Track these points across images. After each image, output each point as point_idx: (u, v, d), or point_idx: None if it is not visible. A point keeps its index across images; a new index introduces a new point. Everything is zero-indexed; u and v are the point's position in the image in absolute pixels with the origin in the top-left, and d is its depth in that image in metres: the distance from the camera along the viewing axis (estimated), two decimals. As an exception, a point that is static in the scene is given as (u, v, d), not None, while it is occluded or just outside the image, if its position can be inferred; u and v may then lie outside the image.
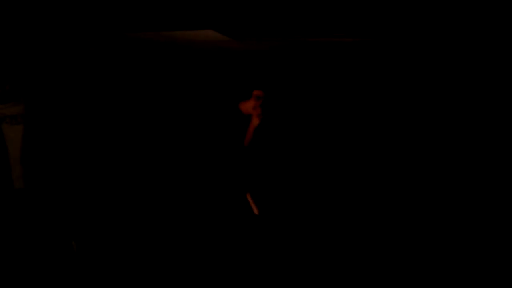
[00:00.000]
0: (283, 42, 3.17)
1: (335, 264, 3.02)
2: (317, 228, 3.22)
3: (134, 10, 2.81)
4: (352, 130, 3.45)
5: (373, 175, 3.38)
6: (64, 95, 3.41)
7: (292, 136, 3.03)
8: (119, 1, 2.75)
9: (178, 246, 3.21)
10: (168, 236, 3.31)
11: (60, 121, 3.29)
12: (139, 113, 3.72)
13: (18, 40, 3.12)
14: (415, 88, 3.38)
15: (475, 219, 3.13)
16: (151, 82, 3.73)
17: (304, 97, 3.51)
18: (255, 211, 2.92)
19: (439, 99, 3.34)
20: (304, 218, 3.19)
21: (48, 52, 3.36)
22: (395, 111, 3.40)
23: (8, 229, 2.92)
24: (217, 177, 3.35)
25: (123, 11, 2.83)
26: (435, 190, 3.29)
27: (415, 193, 3.31)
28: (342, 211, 3.33)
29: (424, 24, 2.74)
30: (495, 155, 3.21)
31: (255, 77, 3.06)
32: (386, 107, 3.41)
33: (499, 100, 3.21)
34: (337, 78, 3.51)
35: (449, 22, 2.70)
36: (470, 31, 2.81)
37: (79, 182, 3.37)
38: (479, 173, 3.22)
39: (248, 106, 2.86)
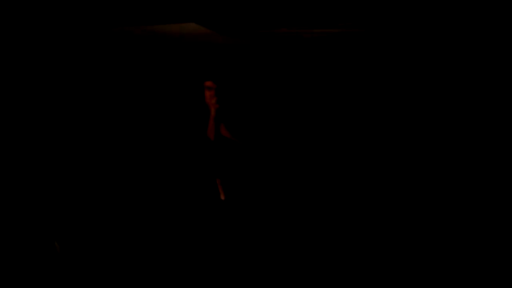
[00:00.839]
0: (264, 36, 3.16)
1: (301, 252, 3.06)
2: (285, 214, 3.27)
3: (117, 4, 2.78)
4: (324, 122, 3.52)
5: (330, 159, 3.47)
6: (36, 92, 3.34)
7: (248, 125, 3.09)
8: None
9: (157, 241, 3.21)
10: (148, 231, 3.30)
11: (30, 117, 3.25)
12: (116, 108, 3.67)
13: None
14: (386, 81, 3.38)
15: (475, 219, 3.08)
16: (130, 76, 3.70)
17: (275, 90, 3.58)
18: (222, 196, 3.03)
19: (422, 93, 3.32)
20: (270, 204, 3.24)
21: (21, 48, 3.26)
22: (351, 103, 3.45)
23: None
24: (187, 166, 3.44)
25: (105, 6, 2.79)
26: (420, 186, 3.28)
27: (375, 181, 3.35)
28: (304, 196, 3.39)
29: (406, 14, 2.73)
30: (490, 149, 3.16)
31: (210, 68, 3.14)
32: (345, 98, 3.47)
33: (485, 86, 3.19)
34: (313, 72, 3.54)
35: (429, 12, 2.68)
36: (455, 23, 2.80)
37: (57, 181, 3.33)
38: (478, 170, 3.17)
39: (206, 97, 2.95)
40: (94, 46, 3.54)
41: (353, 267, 2.91)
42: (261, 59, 3.60)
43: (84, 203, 3.36)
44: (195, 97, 3.16)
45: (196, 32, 3.03)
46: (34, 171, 3.24)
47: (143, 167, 3.61)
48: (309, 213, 3.30)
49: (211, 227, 3.08)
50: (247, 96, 3.38)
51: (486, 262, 2.84)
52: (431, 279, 2.78)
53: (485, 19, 2.72)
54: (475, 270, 2.80)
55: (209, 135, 2.97)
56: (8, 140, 3.11)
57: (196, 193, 3.25)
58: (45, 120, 3.35)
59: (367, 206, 3.29)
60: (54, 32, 3.10)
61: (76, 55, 3.52)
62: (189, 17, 2.78)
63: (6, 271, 2.77)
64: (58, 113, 3.43)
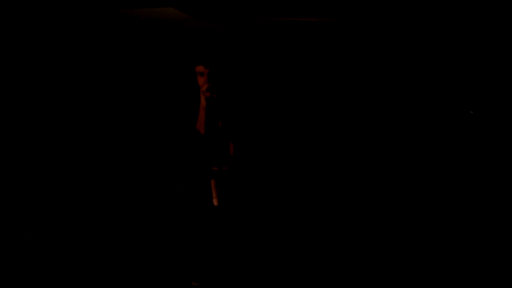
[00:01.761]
0: (243, 21, 3.08)
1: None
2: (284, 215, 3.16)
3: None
4: (308, 110, 3.43)
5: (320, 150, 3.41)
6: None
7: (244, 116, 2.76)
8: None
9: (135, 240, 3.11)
10: (125, 230, 3.19)
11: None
12: (92, 99, 3.44)
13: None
14: (365, 69, 3.36)
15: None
16: (109, 64, 3.48)
17: (261, 78, 3.43)
18: (215, 202, 2.65)
19: (401, 80, 3.31)
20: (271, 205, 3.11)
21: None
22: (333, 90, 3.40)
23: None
24: (172, 164, 3.14)
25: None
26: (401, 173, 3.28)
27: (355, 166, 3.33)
28: (300, 193, 3.29)
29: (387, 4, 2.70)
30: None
31: (199, 54, 2.72)
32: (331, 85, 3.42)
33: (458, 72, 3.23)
34: (295, 57, 3.45)
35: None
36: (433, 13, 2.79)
37: (28, 173, 3.10)
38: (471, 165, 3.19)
39: (199, 84, 2.56)
40: (72, 31, 3.30)
41: (349, 272, 2.84)
42: (246, 44, 3.45)
43: (62, 199, 3.17)
44: (182, 85, 2.91)
45: (174, 17, 2.91)
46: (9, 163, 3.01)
47: (123, 161, 3.40)
48: (311, 220, 3.18)
49: (200, 238, 2.77)
50: (240, 85, 3.16)
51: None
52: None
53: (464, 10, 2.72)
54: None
55: (198, 128, 2.61)
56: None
57: (184, 197, 2.99)
58: (20, 103, 3.11)
59: (357, 205, 3.24)
60: (30, 14, 2.94)
61: (55, 41, 3.28)
62: (167, 1, 2.65)
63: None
64: (35, 97, 3.19)
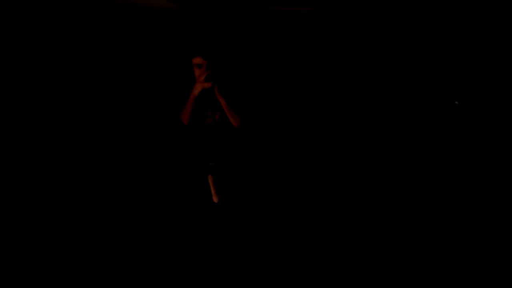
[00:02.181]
0: (233, 11, 3.09)
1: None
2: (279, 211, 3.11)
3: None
4: (303, 101, 3.40)
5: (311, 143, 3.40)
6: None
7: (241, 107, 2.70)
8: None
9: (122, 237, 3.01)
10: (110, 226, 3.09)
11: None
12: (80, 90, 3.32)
13: None
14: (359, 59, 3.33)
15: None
16: (100, 54, 3.36)
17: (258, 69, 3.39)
18: (215, 198, 2.60)
19: (392, 70, 3.29)
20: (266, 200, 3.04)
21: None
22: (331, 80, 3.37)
23: None
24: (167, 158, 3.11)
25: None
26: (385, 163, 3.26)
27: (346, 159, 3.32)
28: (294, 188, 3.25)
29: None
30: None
31: (195, 45, 2.71)
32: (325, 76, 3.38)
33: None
34: (286, 46, 3.42)
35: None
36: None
37: (12, 165, 2.98)
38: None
39: (196, 76, 2.50)
40: (57, 21, 3.17)
41: (349, 269, 2.80)
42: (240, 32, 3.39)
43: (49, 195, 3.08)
44: (174, 76, 2.77)
45: (163, 5, 2.88)
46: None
47: (113, 154, 3.28)
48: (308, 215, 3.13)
49: (199, 236, 2.73)
50: (235, 76, 3.06)
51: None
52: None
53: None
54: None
55: (181, 117, 2.54)
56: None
57: (180, 193, 2.87)
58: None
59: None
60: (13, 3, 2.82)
61: (40, 32, 3.15)
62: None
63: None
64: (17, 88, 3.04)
